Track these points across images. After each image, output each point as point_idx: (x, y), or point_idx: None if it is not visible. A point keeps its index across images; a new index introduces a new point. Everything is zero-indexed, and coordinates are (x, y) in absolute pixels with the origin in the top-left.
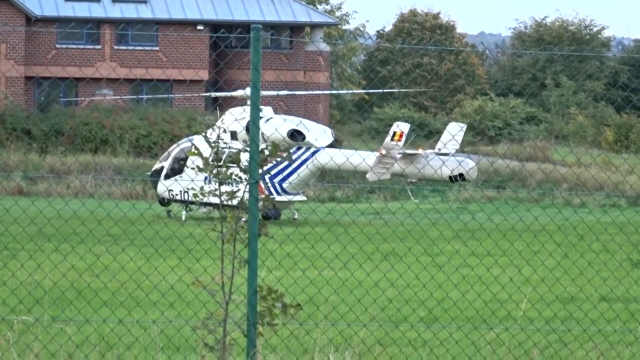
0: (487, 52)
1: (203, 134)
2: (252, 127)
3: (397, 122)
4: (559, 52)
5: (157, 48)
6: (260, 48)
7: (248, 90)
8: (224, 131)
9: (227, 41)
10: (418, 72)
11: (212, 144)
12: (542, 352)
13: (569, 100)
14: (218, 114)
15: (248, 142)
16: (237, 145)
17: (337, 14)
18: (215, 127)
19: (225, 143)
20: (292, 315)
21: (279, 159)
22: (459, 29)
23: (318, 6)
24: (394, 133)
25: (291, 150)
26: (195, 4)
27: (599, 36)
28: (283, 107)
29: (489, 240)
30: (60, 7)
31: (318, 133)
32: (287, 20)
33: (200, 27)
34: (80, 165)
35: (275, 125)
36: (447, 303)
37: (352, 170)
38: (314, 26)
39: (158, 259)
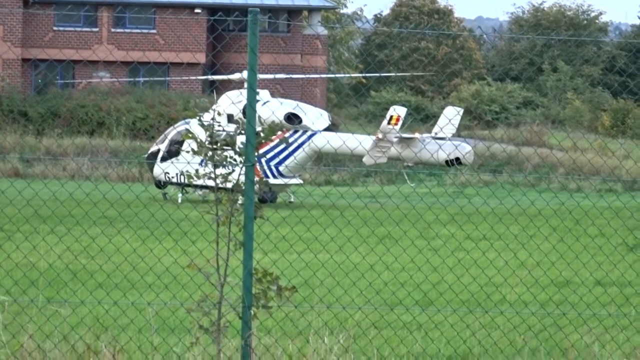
0: (485, 36)
1: (198, 117)
2: (249, 109)
3: (394, 106)
4: (556, 37)
5: (154, 31)
6: (258, 31)
7: (245, 74)
8: (219, 114)
9: (224, 24)
10: (415, 56)
11: (207, 127)
12: (536, 336)
13: (566, 85)
14: (215, 97)
15: (244, 125)
16: (233, 128)
17: None
18: (210, 109)
19: (220, 125)
20: (287, 297)
21: (275, 142)
22: (457, 14)
23: None
24: (391, 117)
25: (287, 134)
26: None
27: (596, 21)
28: (280, 90)
29: (485, 224)
30: None
31: (315, 116)
32: (284, 3)
33: (197, 10)
34: (76, 148)
35: (272, 109)
36: (442, 286)
37: (348, 153)
38: (312, 10)
39: (154, 241)
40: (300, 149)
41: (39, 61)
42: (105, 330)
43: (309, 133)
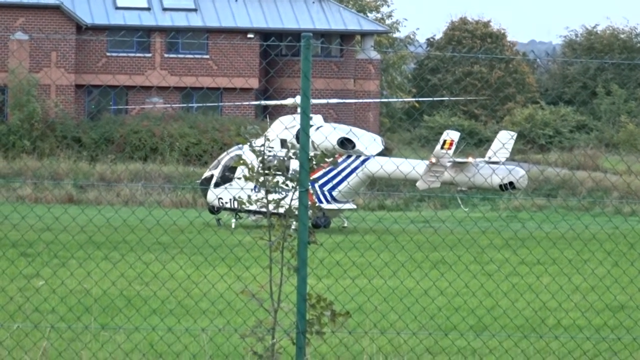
0: (538, 60)
1: (249, 143)
2: (302, 135)
3: (447, 130)
4: (609, 61)
5: (207, 56)
6: (311, 56)
7: (298, 99)
8: (269, 139)
9: (277, 49)
10: (468, 80)
11: (258, 153)
12: None
13: (620, 108)
14: (268, 122)
15: (296, 150)
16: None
17: (388, 22)
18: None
19: (271, 151)
20: (341, 323)
21: (329, 167)
22: (510, 37)
23: (368, 14)
24: (444, 141)
25: (340, 159)
26: (245, 12)
27: None
28: (333, 115)
29: (539, 248)
30: (110, 15)
31: (368, 141)
32: (337, 28)
33: (250, 35)
34: (130, 174)
35: (325, 134)
36: (496, 311)
37: (402, 178)
38: (365, 34)
39: (207, 267)
40: (354, 174)
41: (92, 87)
42: (160, 357)
43: (362, 158)
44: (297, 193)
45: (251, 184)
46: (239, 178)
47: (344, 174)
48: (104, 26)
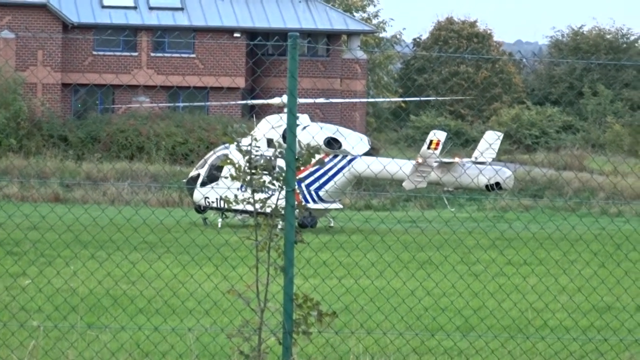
0: (524, 60)
1: (235, 142)
2: (289, 134)
3: (434, 130)
4: (596, 61)
5: (193, 55)
6: (297, 56)
7: (285, 98)
8: (256, 139)
9: (264, 49)
10: (455, 80)
11: (245, 152)
12: None
13: (606, 109)
14: (254, 122)
15: (283, 150)
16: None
17: (374, 21)
18: (249, 135)
19: (259, 150)
20: (328, 323)
21: (315, 167)
22: (496, 37)
23: (355, 14)
24: (431, 141)
25: (327, 159)
26: (232, 11)
27: (636, 45)
28: (319, 114)
29: (526, 249)
30: (96, 14)
31: (355, 141)
32: (323, 27)
33: (237, 35)
34: (116, 173)
35: (312, 133)
36: (483, 312)
37: (388, 178)
38: (351, 34)
39: (194, 266)
40: (340, 174)
41: (79, 86)
42: (146, 356)
43: (348, 158)
44: (283, 192)
45: (238, 184)
46: (226, 177)
47: (330, 173)
48: (91, 25)
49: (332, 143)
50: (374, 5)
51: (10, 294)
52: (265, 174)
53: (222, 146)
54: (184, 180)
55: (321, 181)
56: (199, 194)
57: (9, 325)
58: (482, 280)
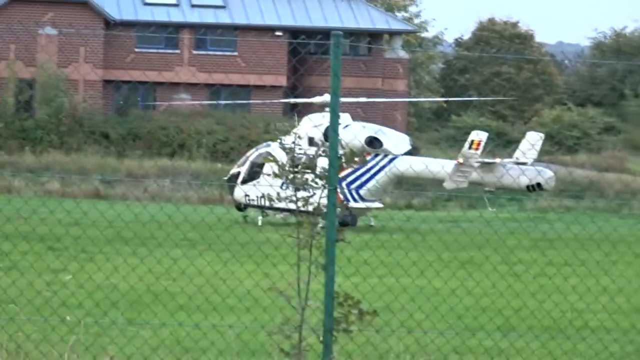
0: (566, 61)
1: (279, 140)
2: (331, 133)
3: (475, 131)
4: (638, 62)
5: (235, 53)
6: (340, 54)
7: (327, 97)
8: (299, 137)
9: (306, 47)
10: (496, 80)
11: (288, 150)
12: None
13: None
14: (296, 120)
15: (325, 148)
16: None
17: (416, 21)
18: (291, 133)
19: (301, 149)
20: (369, 322)
21: (357, 166)
22: (538, 38)
23: (397, 14)
24: (472, 141)
25: (369, 158)
26: (273, 9)
27: None
28: (361, 114)
29: (567, 249)
30: (139, 11)
31: (396, 140)
32: (366, 27)
33: (279, 33)
34: (157, 169)
35: (354, 132)
36: (524, 312)
37: (430, 177)
38: (393, 33)
39: (235, 263)
40: (382, 173)
41: (121, 82)
42: (186, 353)
43: (390, 157)
44: (325, 191)
45: (279, 181)
46: (268, 175)
47: (372, 172)
48: (133, 22)
49: (374, 142)
50: (416, 5)
51: (52, 289)
52: (307, 172)
53: (264, 144)
54: (225, 178)
55: (362, 180)
56: (240, 192)
57: (50, 321)
58: (523, 280)
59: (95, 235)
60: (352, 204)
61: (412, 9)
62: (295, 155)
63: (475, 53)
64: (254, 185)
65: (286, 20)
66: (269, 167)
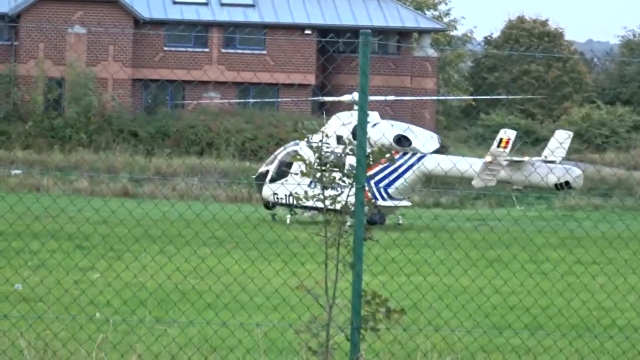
0: (595, 59)
1: (306, 138)
2: (360, 131)
3: (504, 129)
4: None
5: (264, 52)
6: (369, 53)
7: (355, 95)
8: (327, 136)
9: (335, 46)
10: (525, 79)
11: (316, 149)
12: None
13: None
14: (324, 119)
15: (353, 147)
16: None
17: (445, 19)
18: (319, 131)
19: (329, 147)
20: (396, 320)
21: (385, 164)
22: (567, 36)
23: (426, 12)
24: (501, 140)
25: (397, 156)
26: (303, 8)
27: None
28: (389, 112)
29: (595, 248)
30: (168, 10)
31: (425, 139)
32: (395, 25)
33: (308, 32)
34: (186, 168)
35: (382, 131)
36: (551, 310)
37: (458, 176)
38: (422, 32)
39: (263, 262)
40: (410, 171)
41: (150, 81)
42: (214, 351)
43: (418, 155)
44: (353, 189)
45: (307, 180)
46: (296, 174)
47: (400, 170)
48: (162, 20)
49: (402, 140)
50: (445, 4)
51: (80, 287)
52: (336, 171)
53: (292, 142)
54: (253, 177)
55: (391, 178)
56: (268, 190)
57: (78, 319)
58: (551, 278)
59: (123, 234)
60: (380, 202)
61: (442, 7)
62: (323, 153)
63: (505, 51)
64: (282, 183)
65: (315, 18)
66: (297, 166)
